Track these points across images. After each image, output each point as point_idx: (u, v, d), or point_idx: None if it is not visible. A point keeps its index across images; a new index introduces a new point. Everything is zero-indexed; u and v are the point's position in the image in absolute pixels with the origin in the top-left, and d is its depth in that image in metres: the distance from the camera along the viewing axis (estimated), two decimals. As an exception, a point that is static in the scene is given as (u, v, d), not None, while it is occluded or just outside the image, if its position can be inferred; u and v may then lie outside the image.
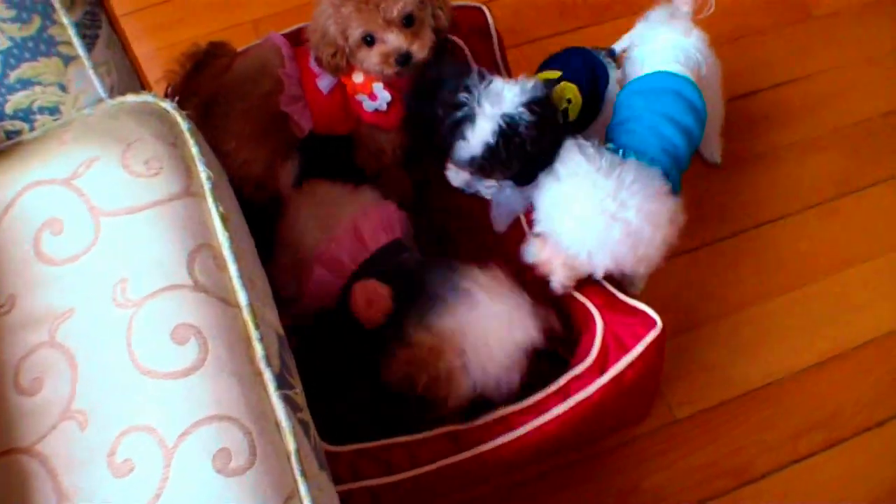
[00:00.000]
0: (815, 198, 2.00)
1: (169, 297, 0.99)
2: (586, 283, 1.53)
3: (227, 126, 1.57)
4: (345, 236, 1.55)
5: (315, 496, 0.93)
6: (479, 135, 1.41)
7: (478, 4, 1.75)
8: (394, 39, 1.50)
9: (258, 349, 1.00)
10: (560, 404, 1.38)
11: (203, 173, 1.11)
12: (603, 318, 1.48)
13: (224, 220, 1.08)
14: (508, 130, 1.40)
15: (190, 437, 0.91)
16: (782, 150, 2.05)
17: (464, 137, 1.42)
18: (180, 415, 0.92)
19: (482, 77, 1.44)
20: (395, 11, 1.48)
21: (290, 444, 0.95)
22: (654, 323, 1.44)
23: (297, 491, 0.93)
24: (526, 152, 1.42)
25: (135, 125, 1.13)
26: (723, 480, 1.67)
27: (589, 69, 1.71)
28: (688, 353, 1.73)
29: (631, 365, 1.41)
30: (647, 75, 1.61)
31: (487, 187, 1.52)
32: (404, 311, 1.45)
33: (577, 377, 1.42)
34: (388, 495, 1.34)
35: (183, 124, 1.16)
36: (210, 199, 1.09)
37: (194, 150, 1.13)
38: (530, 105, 1.41)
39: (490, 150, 1.41)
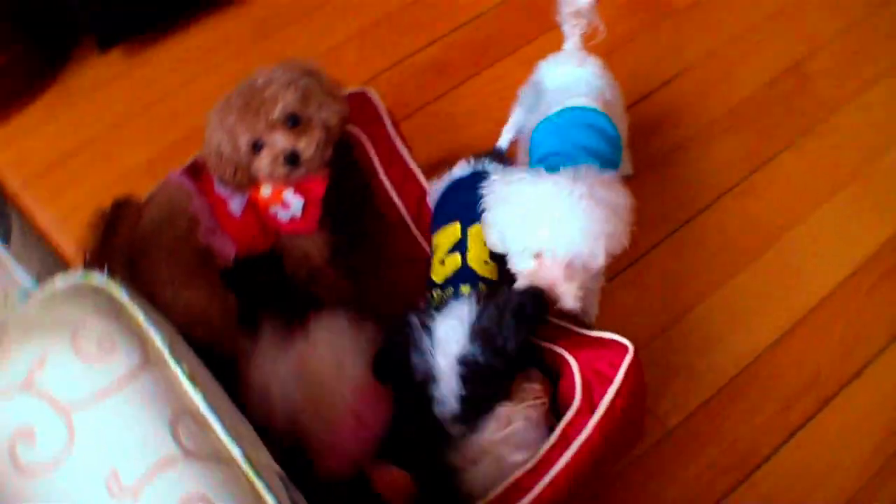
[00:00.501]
0: (730, 180, 2.03)
1: (164, 474, 0.94)
2: (549, 329, 1.53)
3: (158, 276, 1.52)
4: (345, 424, 1.43)
5: None
6: (447, 391, 1.35)
7: (361, 89, 1.73)
8: (279, 140, 1.49)
9: (268, 498, 0.96)
10: (564, 453, 1.35)
11: (157, 337, 1.06)
12: (575, 358, 1.46)
13: (192, 379, 1.04)
14: (469, 372, 1.34)
15: None
16: (687, 143, 2.08)
17: (436, 400, 1.36)
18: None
19: (423, 323, 1.38)
20: (277, 112, 1.48)
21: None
22: (625, 348, 1.42)
23: None
24: (498, 372, 1.37)
25: (74, 309, 1.08)
26: (732, 474, 1.67)
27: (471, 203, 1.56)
28: (659, 361, 1.72)
29: (618, 393, 1.38)
30: (556, 114, 1.63)
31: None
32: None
33: (570, 423, 1.39)
34: None
35: (120, 293, 1.11)
36: (172, 362, 1.04)
37: (140, 315, 1.09)
38: (478, 333, 1.35)
39: (464, 399, 1.36)
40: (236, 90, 1.53)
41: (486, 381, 1.36)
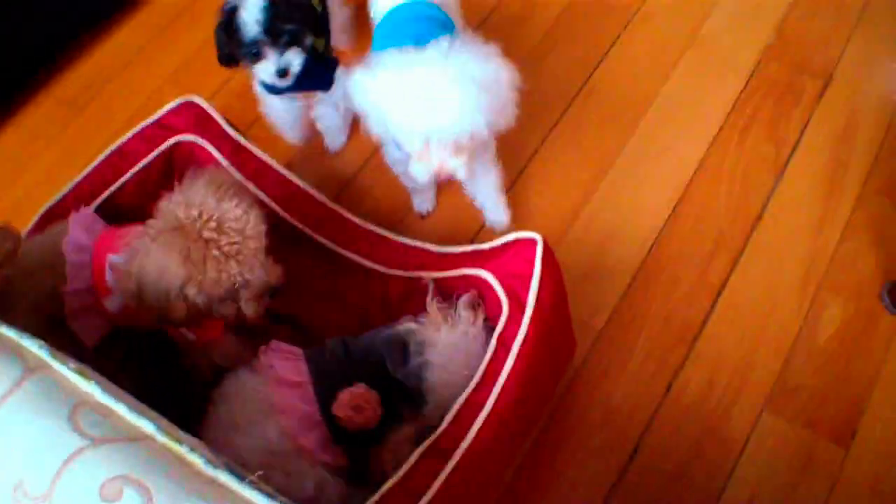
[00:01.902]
0: (574, 86, 2.00)
1: (75, 467, 0.82)
2: (451, 259, 1.46)
3: (15, 322, 1.33)
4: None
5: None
6: (250, 7, 1.50)
7: (185, 98, 1.62)
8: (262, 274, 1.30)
9: (195, 459, 0.85)
10: (507, 359, 1.27)
11: (32, 345, 0.94)
12: (489, 270, 1.39)
13: (81, 373, 0.92)
14: None
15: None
16: (520, 66, 2.01)
17: (240, 23, 1.51)
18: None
19: None
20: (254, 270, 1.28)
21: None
22: (533, 240, 1.36)
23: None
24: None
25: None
26: (676, 352, 1.62)
27: None
28: (567, 268, 1.63)
29: (541, 285, 1.32)
30: (385, 17, 1.59)
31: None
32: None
33: (505, 328, 1.31)
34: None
35: (-25, 316, 0.99)
36: (56, 363, 0.92)
37: (8, 331, 0.96)
38: None
39: (266, 10, 1.50)
40: (172, 224, 1.25)
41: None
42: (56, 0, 2.06)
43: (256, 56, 1.56)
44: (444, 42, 1.35)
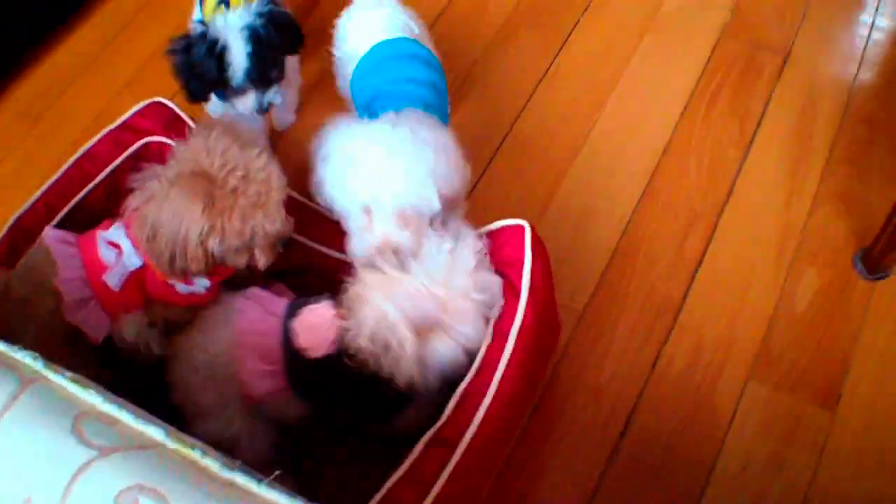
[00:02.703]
0: (537, 73, 1.96)
1: (85, 480, 0.76)
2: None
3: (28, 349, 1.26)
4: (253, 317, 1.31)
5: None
6: (237, 54, 1.42)
7: (153, 100, 1.55)
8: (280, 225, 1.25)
9: (210, 463, 0.80)
10: (505, 346, 1.23)
11: (26, 357, 0.88)
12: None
13: (78, 382, 0.86)
14: (256, 37, 1.42)
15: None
16: (485, 56, 1.99)
17: (227, 65, 1.42)
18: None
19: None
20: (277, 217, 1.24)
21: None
22: (521, 227, 1.34)
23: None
24: (279, 46, 1.48)
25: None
26: (659, 324, 1.60)
27: None
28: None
29: (533, 270, 1.29)
30: (366, 54, 1.51)
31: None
32: None
33: (500, 316, 1.28)
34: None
35: (-35, 338, 0.93)
36: (51, 374, 0.86)
37: (1, 346, 0.91)
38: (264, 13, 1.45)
39: (253, 59, 1.43)
40: (191, 172, 1.21)
41: (267, 45, 1.44)
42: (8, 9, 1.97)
43: (237, 94, 1.52)
44: (391, 114, 1.33)
